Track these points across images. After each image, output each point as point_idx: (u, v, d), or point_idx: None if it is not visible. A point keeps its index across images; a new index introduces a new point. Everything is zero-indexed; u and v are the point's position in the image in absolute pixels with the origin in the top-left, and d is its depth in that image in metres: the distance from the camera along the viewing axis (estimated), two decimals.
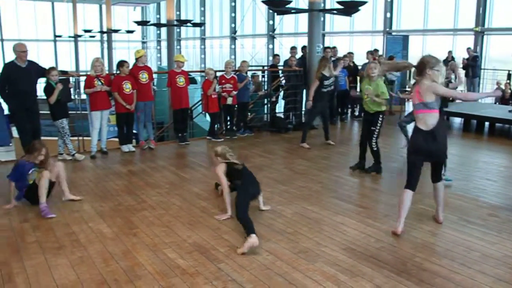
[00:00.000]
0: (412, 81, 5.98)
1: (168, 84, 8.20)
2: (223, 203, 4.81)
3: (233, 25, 25.53)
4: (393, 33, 16.92)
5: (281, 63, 11.14)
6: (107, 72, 7.88)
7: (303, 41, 10.86)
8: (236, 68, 9.33)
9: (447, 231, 4.38)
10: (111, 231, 4.38)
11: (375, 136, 6.31)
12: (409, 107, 10.63)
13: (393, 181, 6.07)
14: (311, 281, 3.45)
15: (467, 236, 4.25)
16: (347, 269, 3.63)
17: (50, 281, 3.45)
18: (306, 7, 10.07)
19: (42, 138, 6.61)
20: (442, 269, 3.64)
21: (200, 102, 10.02)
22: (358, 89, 9.81)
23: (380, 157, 6.38)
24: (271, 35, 23.03)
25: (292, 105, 10.32)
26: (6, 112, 8.95)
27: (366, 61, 10.80)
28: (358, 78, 10.64)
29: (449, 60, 13.15)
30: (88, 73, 7.37)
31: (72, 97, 7.56)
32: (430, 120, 4.13)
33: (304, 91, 10.11)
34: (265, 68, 12.61)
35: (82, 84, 7.50)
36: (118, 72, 7.55)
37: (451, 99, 7.32)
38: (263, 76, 10.92)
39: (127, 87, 7.39)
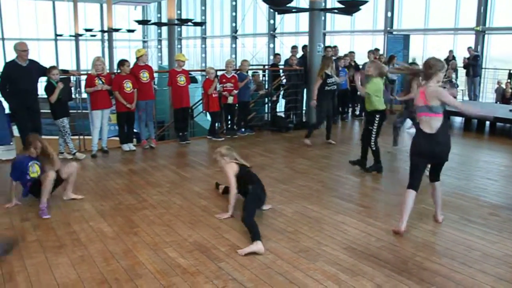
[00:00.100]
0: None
1: (169, 83, 8.20)
2: (224, 202, 4.80)
3: (234, 24, 25.51)
4: (394, 32, 16.90)
5: (282, 62, 11.16)
6: (108, 71, 7.88)
7: (304, 40, 10.85)
8: (237, 67, 9.32)
9: (447, 230, 4.38)
10: (112, 230, 4.38)
11: (373, 135, 6.31)
12: None
13: (394, 180, 6.08)
14: (311, 280, 3.45)
15: (468, 235, 4.25)
16: (348, 268, 3.63)
17: (50, 280, 3.46)
18: (307, 6, 10.05)
19: (43, 137, 6.59)
20: (442, 268, 3.64)
21: (200, 101, 10.02)
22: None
23: (379, 156, 6.38)
24: (272, 34, 23.01)
25: (293, 104, 10.32)
26: (7, 111, 8.97)
27: (368, 60, 10.80)
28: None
29: (450, 60, 13.18)
30: (89, 72, 7.37)
31: (73, 96, 7.58)
32: (434, 123, 4.10)
33: (305, 90, 10.13)
34: (266, 67, 12.62)
35: (83, 83, 7.50)
36: (119, 71, 7.55)
37: None
38: (263, 75, 10.92)
39: (128, 86, 7.39)
